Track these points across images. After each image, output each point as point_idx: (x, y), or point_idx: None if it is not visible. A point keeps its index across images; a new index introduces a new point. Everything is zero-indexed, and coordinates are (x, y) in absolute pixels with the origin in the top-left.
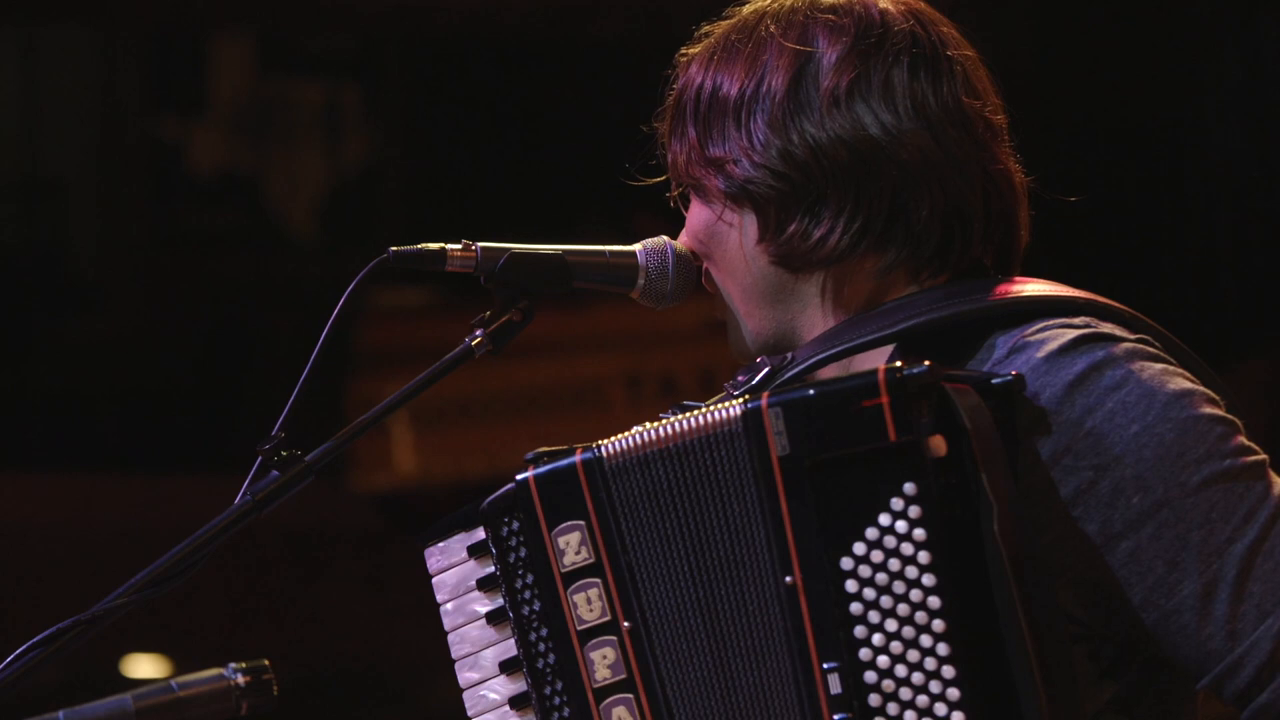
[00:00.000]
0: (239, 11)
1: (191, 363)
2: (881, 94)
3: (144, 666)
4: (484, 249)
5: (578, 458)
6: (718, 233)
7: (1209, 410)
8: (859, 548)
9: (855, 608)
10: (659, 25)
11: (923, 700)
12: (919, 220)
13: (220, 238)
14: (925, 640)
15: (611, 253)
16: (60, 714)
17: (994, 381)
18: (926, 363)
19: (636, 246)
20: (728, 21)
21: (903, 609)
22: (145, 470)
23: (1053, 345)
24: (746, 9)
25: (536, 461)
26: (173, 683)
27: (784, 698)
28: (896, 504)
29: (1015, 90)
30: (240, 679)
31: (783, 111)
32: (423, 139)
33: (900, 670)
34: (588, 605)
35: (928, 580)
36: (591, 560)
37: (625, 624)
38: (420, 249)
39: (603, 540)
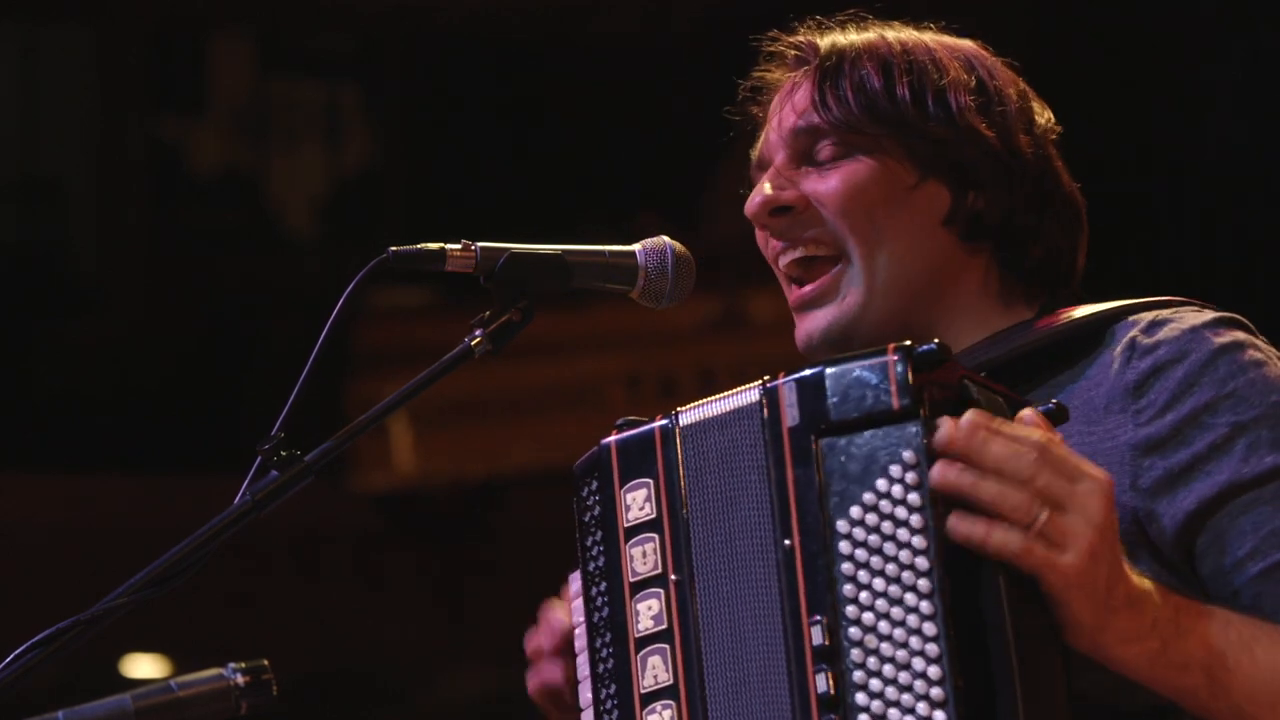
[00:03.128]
0: (239, 11)
1: (191, 363)
2: None
3: (144, 666)
4: (483, 249)
5: (657, 423)
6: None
7: None
8: (855, 511)
9: (846, 567)
10: (660, 25)
11: (902, 655)
12: None
13: (220, 238)
14: (910, 599)
15: (611, 252)
16: (60, 714)
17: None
18: (936, 340)
19: (636, 246)
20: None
21: (891, 569)
22: (145, 470)
23: (1196, 320)
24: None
25: (622, 428)
26: (172, 683)
27: (776, 655)
28: (895, 470)
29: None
30: (240, 679)
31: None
32: (423, 139)
33: (883, 626)
34: (643, 558)
35: (918, 542)
36: (653, 516)
37: (673, 577)
38: (420, 249)
39: (666, 497)
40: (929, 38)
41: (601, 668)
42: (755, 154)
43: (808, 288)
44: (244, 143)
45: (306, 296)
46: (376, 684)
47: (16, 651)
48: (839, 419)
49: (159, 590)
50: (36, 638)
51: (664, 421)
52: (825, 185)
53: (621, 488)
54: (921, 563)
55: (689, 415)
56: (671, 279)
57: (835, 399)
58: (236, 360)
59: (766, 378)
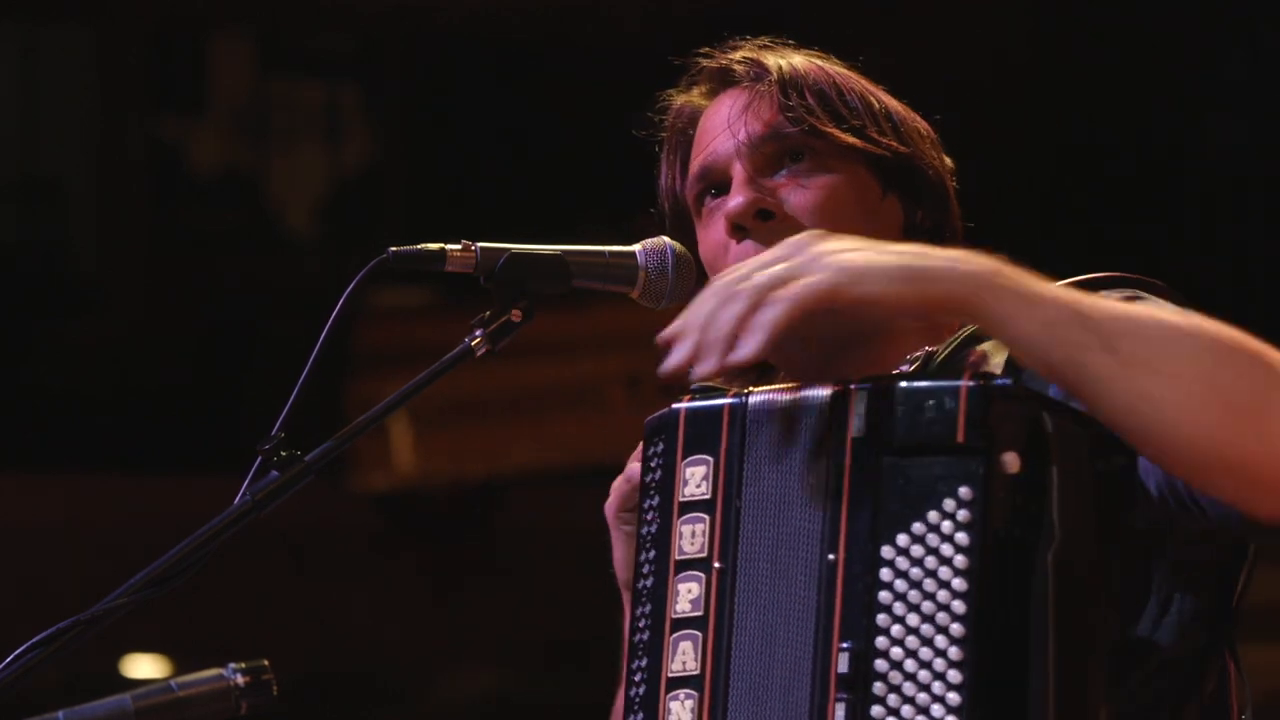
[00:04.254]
0: (239, 11)
1: (191, 363)
2: None
3: (144, 666)
4: (483, 249)
5: (727, 400)
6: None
7: None
8: (902, 539)
9: (884, 596)
10: (660, 24)
11: (923, 698)
12: None
13: (220, 238)
14: (940, 641)
15: (611, 253)
16: (60, 714)
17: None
18: (1010, 379)
19: (636, 246)
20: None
21: (927, 606)
22: (145, 470)
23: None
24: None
25: (696, 394)
26: (172, 683)
27: (802, 671)
28: (948, 505)
29: (1015, 90)
30: (240, 679)
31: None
32: (423, 139)
33: (910, 665)
34: (692, 538)
35: (958, 584)
36: (708, 496)
37: (717, 564)
38: (420, 249)
39: (724, 479)
40: (841, 67)
41: (637, 638)
42: (697, 164)
43: None
44: (244, 143)
45: (306, 296)
46: (376, 684)
47: (16, 651)
48: (904, 439)
49: (159, 590)
50: (36, 638)
51: (735, 400)
52: (806, 196)
53: (683, 460)
54: (958, 606)
55: (758, 398)
56: (671, 279)
57: (904, 418)
58: (236, 360)
59: (847, 380)
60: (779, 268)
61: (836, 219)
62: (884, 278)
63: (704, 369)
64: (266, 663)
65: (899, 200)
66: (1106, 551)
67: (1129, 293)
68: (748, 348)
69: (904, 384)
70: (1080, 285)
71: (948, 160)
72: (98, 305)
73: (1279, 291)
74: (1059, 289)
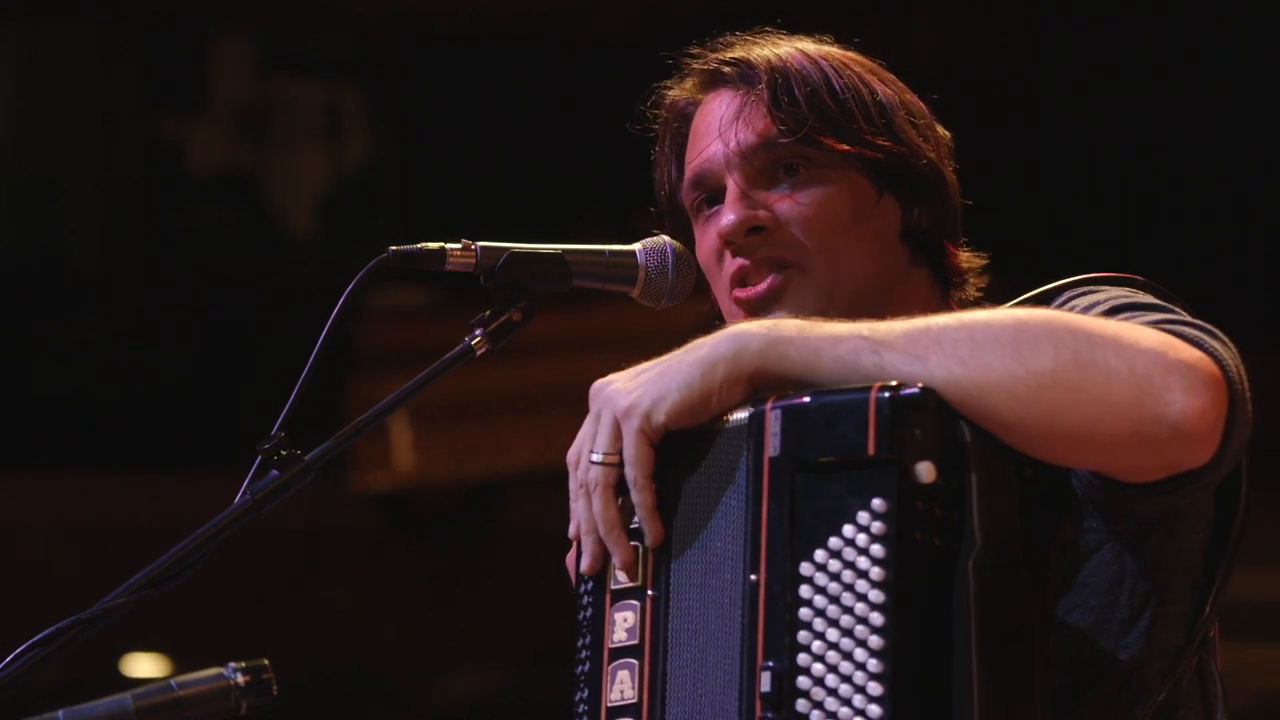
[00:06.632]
0: (239, 11)
1: (191, 362)
2: None
3: (144, 666)
4: (484, 248)
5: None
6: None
7: None
8: (819, 555)
9: (804, 613)
10: (659, 24)
11: (845, 712)
12: None
13: (220, 238)
14: (860, 654)
15: (611, 252)
16: (60, 714)
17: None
18: (920, 385)
19: (636, 246)
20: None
21: (846, 620)
22: (145, 470)
23: (1087, 301)
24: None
25: None
26: (172, 682)
27: (730, 693)
28: (862, 518)
29: (1017, 89)
30: (240, 678)
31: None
32: (423, 139)
33: (831, 680)
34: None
35: (875, 596)
36: (637, 524)
37: (650, 592)
38: (420, 248)
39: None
40: (838, 52)
41: (579, 669)
42: (691, 170)
43: (762, 286)
44: (244, 143)
45: (306, 296)
46: (376, 684)
47: (16, 651)
48: (816, 456)
49: (159, 590)
50: (36, 638)
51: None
52: (799, 210)
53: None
54: (876, 618)
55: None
56: (671, 278)
57: (815, 435)
58: (236, 360)
59: (764, 397)
60: (601, 439)
61: (831, 231)
62: (681, 386)
63: (621, 559)
64: (266, 662)
65: (896, 200)
66: (1038, 557)
67: (1092, 288)
68: (650, 531)
69: (815, 399)
70: (1068, 285)
71: (944, 133)
72: (98, 305)
73: (1279, 291)
74: (849, 325)
